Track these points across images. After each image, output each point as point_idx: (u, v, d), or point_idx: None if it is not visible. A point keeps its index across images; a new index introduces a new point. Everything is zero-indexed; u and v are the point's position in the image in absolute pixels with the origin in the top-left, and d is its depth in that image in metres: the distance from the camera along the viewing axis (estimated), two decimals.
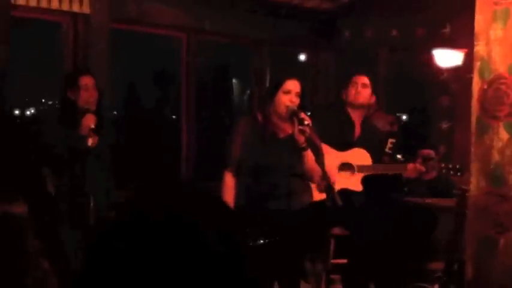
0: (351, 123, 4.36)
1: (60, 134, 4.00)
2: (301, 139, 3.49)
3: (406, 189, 5.09)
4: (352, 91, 4.35)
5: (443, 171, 4.34)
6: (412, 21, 6.33)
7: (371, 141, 4.40)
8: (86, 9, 4.90)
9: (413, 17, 6.31)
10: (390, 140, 4.51)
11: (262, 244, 3.33)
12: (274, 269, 3.40)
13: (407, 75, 7.63)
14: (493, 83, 3.29)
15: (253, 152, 3.59)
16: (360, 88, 4.33)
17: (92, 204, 3.81)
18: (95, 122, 3.96)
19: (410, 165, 4.28)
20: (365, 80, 4.36)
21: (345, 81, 4.43)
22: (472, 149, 3.34)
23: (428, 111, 6.84)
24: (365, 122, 4.43)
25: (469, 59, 3.55)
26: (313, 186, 3.82)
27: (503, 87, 3.25)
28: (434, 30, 6.14)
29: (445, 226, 4.62)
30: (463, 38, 4.17)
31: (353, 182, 4.25)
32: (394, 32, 6.48)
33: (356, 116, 4.39)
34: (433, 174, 4.37)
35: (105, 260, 1.00)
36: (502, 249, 3.25)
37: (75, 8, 4.85)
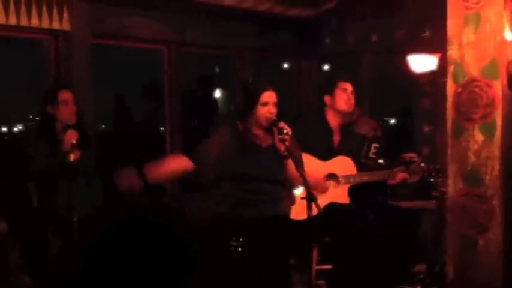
0: (329, 131, 4.39)
1: (41, 149, 4.02)
2: (282, 148, 3.54)
3: (389, 191, 5.15)
4: (335, 97, 4.38)
5: (426, 173, 4.39)
6: (392, 25, 6.40)
7: (353, 147, 4.44)
8: (66, 26, 4.94)
9: (393, 21, 6.39)
10: (374, 145, 4.55)
11: (242, 245, 3.37)
12: (258, 277, 3.43)
13: (390, 80, 7.70)
14: (467, 86, 3.34)
15: (234, 160, 3.63)
16: (343, 94, 4.37)
17: (75, 220, 3.82)
18: (77, 137, 3.98)
19: (394, 172, 4.33)
20: (348, 86, 4.40)
21: (328, 87, 4.46)
22: (449, 151, 3.40)
23: (411, 114, 6.90)
24: (345, 128, 4.47)
25: (444, 62, 3.59)
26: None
27: (476, 90, 3.31)
28: (414, 34, 6.21)
29: (427, 228, 4.67)
30: (442, 41, 4.23)
31: (340, 194, 4.26)
32: (375, 37, 6.55)
33: (336, 123, 4.42)
34: (416, 177, 4.42)
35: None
36: (482, 248, 3.31)
37: (55, 26, 4.87)
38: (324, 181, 4.22)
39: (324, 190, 4.20)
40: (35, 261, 3.97)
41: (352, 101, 4.40)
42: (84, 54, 5.13)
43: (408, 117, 7.48)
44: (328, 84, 4.46)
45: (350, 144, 4.42)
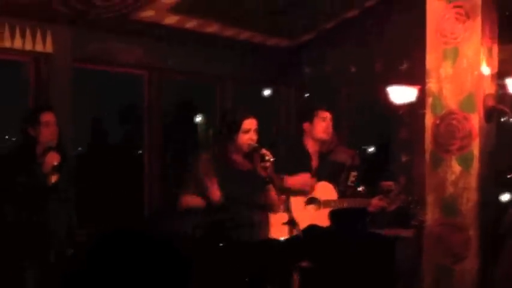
0: (308, 157, 4.46)
1: (21, 170, 3.97)
2: (264, 174, 3.58)
3: (368, 219, 5.20)
4: (314, 125, 4.46)
5: (404, 203, 4.46)
6: (370, 56, 6.52)
7: (330, 174, 4.51)
8: (49, 49, 4.95)
9: (372, 53, 6.50)
10: (352, 174, 4.61)
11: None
12: None
13: (368, 109, 7.80)
14: (445, 118, 3.42)
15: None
16: (322, 123, 4.45)
17: (54, 241, 3.80)
18: (58, 159, 3.97)
19: (373, 201, 4.41)
20: (327, 115, 4.48)
21: (308, 115, 4.53)
22: (427, 181, 3.46)
23: (388, 144, 6.99)
24: (324, 155, 4.54)
25: (423, 94, 3.68)
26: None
27: (454, 122, 3.39)
28: (392, 65, 6.32)
29: (405, 256, 4.72)
30: (420, 74, 4.32)
31: (320, 217, 4.33)
32: (353, 68, 6.66)
33: (314, 150, 4.50)
34: (393, 206, 4.49)
35: None
36: (458, 278, 3.35)
37: (38, 48, 4.89)
38: (312, 179, 4.30)
39: (312, 188, 4.28)
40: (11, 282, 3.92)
41: (330, 129, 4.49)
42: (66, 77, 5.14)
43: (386, 147, 7.57)
44: (308, 112, 4.54)
45: (327, 171, 4.49)
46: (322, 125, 4.45)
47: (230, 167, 3.71)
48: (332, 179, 4.47)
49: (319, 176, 4.44)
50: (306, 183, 4.34)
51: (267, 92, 7.66)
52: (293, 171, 4.30)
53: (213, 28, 5.93)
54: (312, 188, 4.36)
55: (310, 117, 4.50)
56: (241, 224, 3.63)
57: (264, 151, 3.57)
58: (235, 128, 3.64)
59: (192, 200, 3.68)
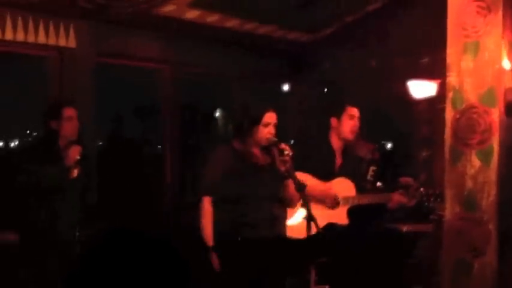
0: (332, 153, 4.45)
1: (43, 165, 4.02)
2: (283, 168, 3.59)
3: (387, 214, 5.19)
4: (342, 123, 4.42)
5: (424, 198, 4.43)
6: (390, 51, 6.49)
7: (353, 170, 4.49)
8: (72, 44, 5.01)
9: (391, 47, 6.47)
10: (372, 168, 4.60)
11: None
12: None
13: (388, 105, 7.77)
14: (465, 113, 3.41)
15: (234, 180, 3.67)
16: (350, 122, 4.42)
17: (77, 235, 3.86)
18: (81, 152, 4.02)
19: (393, 196, 4.37)
20: (356, 112, 4.45)
21: (336, 110, 4.50)
22: (446, 176, 3.45)
23: (408, 139, 6.97)
24: (347, 151, 4.52)
25: (443, 89, 3.67)
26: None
27: (474, 116, 3.38)
28: (412, 60, 6.30)
29: (424, 251, 4.71)
30: (440, 68, 4.30)
31: (339, 215, 4.30)
32: (373, 63, 6.64)
33: (338, 145, 4.48)
34: (413, 201, 4.46)
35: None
36: (477, 272, 3.34)
37: (62, 43, 4.95)
38: (334, 196, 4.27)
39: (333, 205, 4.25)
40: (40, 274, 3.98)
41: (357, 128, 4.44)
42: (88, 72, 5.20)
43: (405, 142, 7.54)
44: (337, 107, 4.50)
45: (351, 166, 4.48)
46: (349, 124, 4.41)
47: (248, 161, 3.73)
48: (354, 174, 4.46)
49: (342, 172, 4.42)
50: (327, 198, 4.28)
51: (286, 87, 7.67)
52: (316, 168, 4.29)
53: (232, 23, 5.95)
54: (332, 205, 4.30)
55: (338, 113, 4.45)
56: (259, 218, 3.65)
57: (283, 145, 3.59)
58: (255, 120, 3.66)
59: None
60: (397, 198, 4.36)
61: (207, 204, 3.68)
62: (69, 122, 4.15)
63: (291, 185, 3.60)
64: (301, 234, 3.37)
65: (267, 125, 3.67)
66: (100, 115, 5.68)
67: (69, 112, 4.17)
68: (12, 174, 4.09)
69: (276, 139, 3.66)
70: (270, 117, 3.69)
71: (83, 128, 4.29)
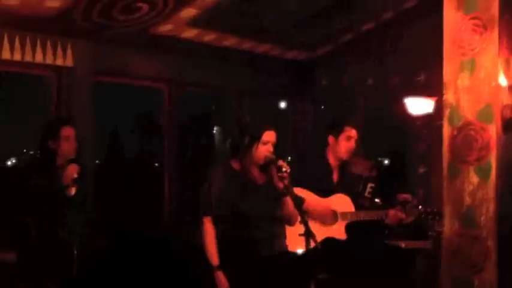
0: (330, 170, 4.46)
1: (41, 183, 4.00)
2: (281, 186, 3.59)
3: (385, 230, 5.19)
4: (339, 143, 4.45)
5: (422, 215, 4.43)
6: (387, 69, 6.53)
7: (351, 187, 4.50)
8: (69, 63, 5.03)
9: (388, 65, 6.51)
10: (369, 185, 4.60)
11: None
12: None
13: (385, 122, 7.81)
14: (462, 129, 3.42)
15: (232, 199, 3.66)
16: (347, 143, 4.44)
17: (75, 253, 3.84)
18: (78, 171, 4.01)
19: (390, 212, 4.38)
20: (353, 133, 4.47)
21: (335, 129, 4.52)
22: (445, 193, 3.45)
23: (405, 156, 6.99)
24: (344, 168, 4.54)
25: (440, 105, 3.68)
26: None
27: (472, 133, 3.39)
28: (409, 77, 6.33)
29: (422, 268, 4.70)
30: (436, 86, 4.33)
31: (337, 230, 4.31)
32: (370, 80, 6.67)
33: (335, 163, 4.49)
34: (411, 218, 4.47)
35: None
36: None
37: (59, 62, 4.97)
38: (330, 212, 4.28)
39: (329, 223, 4.26)
40: None
41: (353, 149, 4.46)
42: (86, 90, 5.22)
43: (402, 158, 7.56)
44: (335, 126, 4.52)
45: (348, 183, 4.49)
46: (346, 145, 4.43)
47: (246, 179, 3.72)
48: (351, 191, 4.47)
49: (340, 189, 4.44)
50: (325, 218, 4.27)
51: (283, 105, 7.69)
52: (314, 185, 4.30)
53: (230, 41, 5.98)
54: (329, 224, 4.30)
55: (336, 132, 4.48)
56: (258, 237, 3.65)
57: (281, 163, 3.59)
58: (254, 138, 3.66)
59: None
60: (393, 214, 4.36)
61: (208, 224, 3.67)
62: (67, 141, 4.13)
63: (289, 202, 3.60)
64: (300, 250, 3.36)
65: (266, 143, 3.67)
66: (99, 133, 5.69)
67: (66, 131, 4.15)
68: (9, 194, 4.08)
69: (273, 157, 3.66)
70: (270, 136, 3.69)
71: (81, 146, 4.28)
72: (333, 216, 4.31)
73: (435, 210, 4.35)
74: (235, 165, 3.74)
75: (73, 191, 3.99)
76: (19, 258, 4.07)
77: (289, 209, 3.66)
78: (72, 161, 4.07)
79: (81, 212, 4.13)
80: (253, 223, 3.64)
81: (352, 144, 4.44)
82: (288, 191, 3.55)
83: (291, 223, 3.78)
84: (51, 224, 4.02)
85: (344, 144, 4.44)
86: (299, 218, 3.54)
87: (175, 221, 5.96)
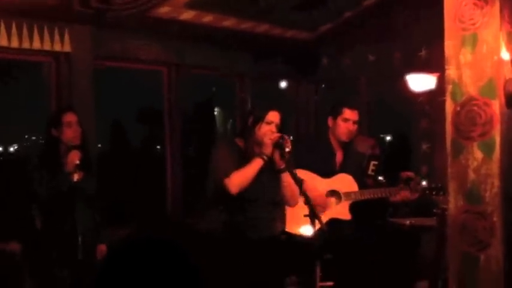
0: (333, 152, 4.45)
1: (45, 172, 4.00)
2: (281, 164, 3.59)
3: (390, 209, 5.18)
4: (336, 125, 4.44)
5: (427, 191, 4.42)
6: (389, 47, 6.48)
7: (354, 166, 4.49)
8: (67, 48, 4.99)
9: (390, 44, 6.46)
10: (372, 163, 4.59)
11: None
12: None
13: (387, 99, 7.77)
14: (465, 105, 3.38)
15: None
16: (344, 125, 4.42)
17: (80, 242, 3.83)
18: (80, 157, 3.99)
19: (395, 190, 4.36)
20: (352, 115, 4.44)
21: (333, 110, 4.50)
22: (449, 169, 3.42)
23: (408, 133, 6.96)
24: (347, 147, 4.52)
25: (442, 82, 3.64)
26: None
27: (475, 108, 3.36)
28: (411, 55, 6.28)
29: (428, 245, 4.69)
30: (438, 62, 4.28)
31: (341, 211, 4.31)
32: (372, 59, 6.62)
33: (337, 143, 4.48)
34: (415, 195, 4.45)
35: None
36: (483, 265, 3.32)
37: (57, 48, 4.93)
38: (325, 198, 4.27)
39: (325, 206, 4.24)
40: (45, 283, 3.96)
41: (352, 131, 4.43)
42: (86, 76, 5.18)
43: (405, 136, 7.53)
44: (334, 108, 4.51)
45: (352, 163, 4.47)
46: (343, 126, 4.42)
47: (250, 159, 3.72)
48: (354, 170, 4.46)
49: (343, 169, 4.42)
50: (320, 201, 4.23)
51: (283, 84, 7.64)
52: (317, 166, 4.28)
53: (230, 22, 5.93)
54: (324, 209, 4.25)
55: (334, 114, 4.47)
56: (261, 217, 3.64)
57: (285, 137, 3.58)
58: (259, 118, 3.66)
59: None
60: (400, 192, 4.35)
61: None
62: (69, 127, 4.11)
63: (289, 180, 3.59)
64: (305, 231, 3.36)
65: (270, 123, 3.67)
66: (101, 119, 5.67)
67: (68, 118, 4.14)
68: (14, 184, 4.08)
69: (277, 136, 3.64)
70: (274, 116, 3.69)
71: (86, 133, 4.26)
72: (330, 198, 4.30)
73: (439, 185, 4.34)
74: (240, 144, 3.76)
75: (76, 177, 3.97)
76: (24, 249, 4.07)
77: (289, 187, 3.65)
78: (74, 147, 4.06)
79: (87, 199, 4.11)
80: (256, 203, 3.64)
81: (350, 125, 4.42)
82: (288, 170, 3.55)
83: (291, 203, 3.77)
84: (54, 212, 4.01)
85: (341, 125, 4.43)
86: (300, 199, 3.53)
87: (177, 208, 5.95)
